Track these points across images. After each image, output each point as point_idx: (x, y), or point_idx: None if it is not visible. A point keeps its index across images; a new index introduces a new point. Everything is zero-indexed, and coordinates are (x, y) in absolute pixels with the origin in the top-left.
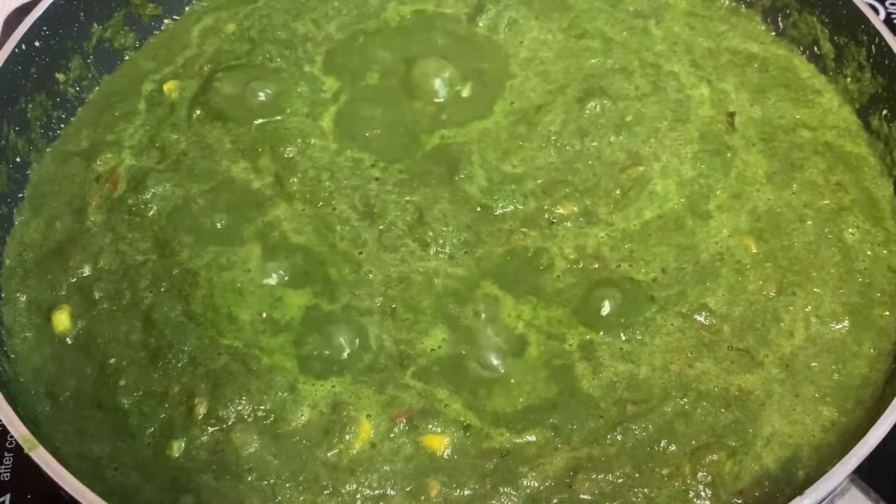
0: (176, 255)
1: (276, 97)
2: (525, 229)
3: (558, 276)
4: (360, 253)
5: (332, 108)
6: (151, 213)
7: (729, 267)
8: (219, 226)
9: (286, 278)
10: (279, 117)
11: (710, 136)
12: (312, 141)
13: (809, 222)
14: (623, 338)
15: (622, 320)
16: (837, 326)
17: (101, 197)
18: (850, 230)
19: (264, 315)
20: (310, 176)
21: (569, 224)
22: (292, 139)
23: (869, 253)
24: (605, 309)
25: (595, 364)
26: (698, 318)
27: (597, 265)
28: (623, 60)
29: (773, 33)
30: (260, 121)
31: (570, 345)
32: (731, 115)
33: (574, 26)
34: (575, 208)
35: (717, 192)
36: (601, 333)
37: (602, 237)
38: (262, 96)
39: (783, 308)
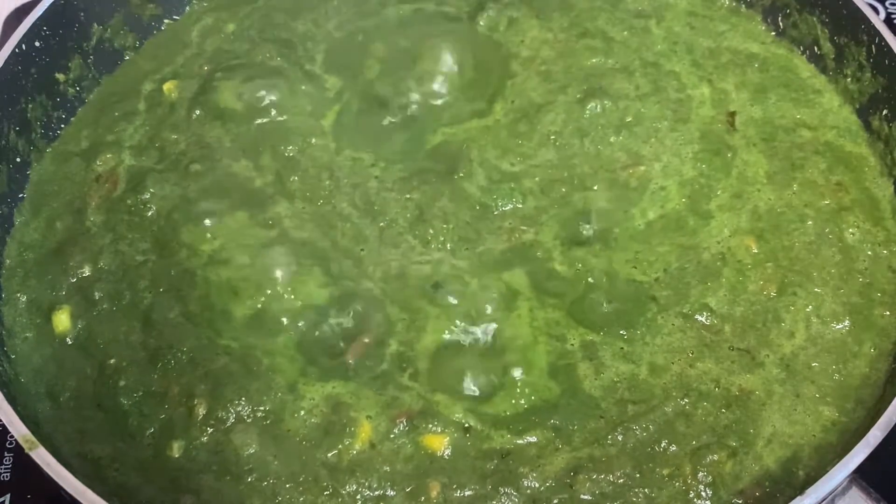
0: (174, 255)
1: (275, 96)
2: (524, 227)
3: (559, 276)
4: (362, 250)
5: (331, 107)
6: (150, 213)
7: (730, 267)
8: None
9: (286, 277)
10: (279, 117)
11: (711, 136)
12: (313, 140)
13: (810, 222)
14: (624, 338)
15: (624, 321)
16: (838, 326)
17: (101, 197)
18: (850, 230)
19: (263, 315)
20: (310, 175)
21: (567, 222)
22: (293, 138)
23: (869, 253)
24: (606, 310)
25: (597, 364)
26: (699, 318)
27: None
28: (624, 60)
29: (774, 33)
30: (260, 120)
31: (572, 345)
32: (732, 114)
33: (575, 26)
34: (575, 207)
35: (718, 192)
36: (602, 334)
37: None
38: (261, 96)
39: (784, 308)
